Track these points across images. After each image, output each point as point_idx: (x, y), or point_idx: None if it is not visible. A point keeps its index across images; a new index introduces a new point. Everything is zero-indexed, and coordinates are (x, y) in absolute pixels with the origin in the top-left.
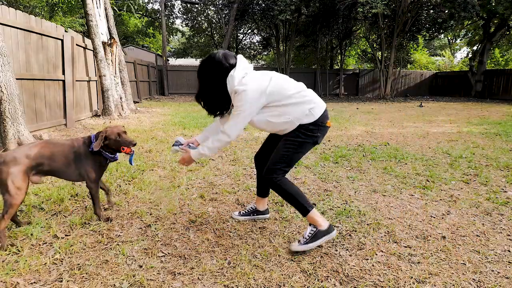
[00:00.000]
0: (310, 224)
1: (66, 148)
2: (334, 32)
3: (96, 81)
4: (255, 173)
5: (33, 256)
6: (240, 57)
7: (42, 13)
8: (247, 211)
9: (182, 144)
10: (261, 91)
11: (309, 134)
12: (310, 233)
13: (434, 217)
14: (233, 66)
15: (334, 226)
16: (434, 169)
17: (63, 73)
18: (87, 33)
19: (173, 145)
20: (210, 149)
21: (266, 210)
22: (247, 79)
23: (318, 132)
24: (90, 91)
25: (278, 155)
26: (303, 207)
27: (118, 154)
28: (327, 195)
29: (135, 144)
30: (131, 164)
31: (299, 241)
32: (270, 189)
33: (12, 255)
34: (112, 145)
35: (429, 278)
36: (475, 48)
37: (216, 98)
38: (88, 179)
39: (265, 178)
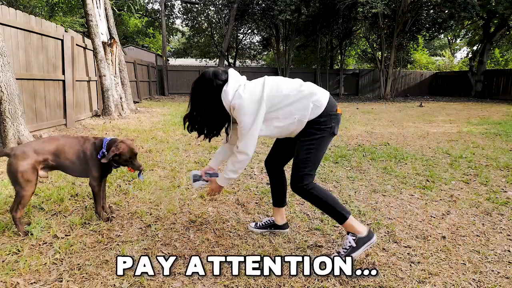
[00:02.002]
0: (348, 233)
1: (76, 146)
2: (334, 32)
3: (96, 81)
4: (268, 180)
5: (33, 256)
6: (231, 71)
7: (42, 13)
8: (264, 224)
9: (201, 176)
10: (257, 99)
11: (322, 128)
12: (350, 242)
13: (434, 217)
14: (225, 82)
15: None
16: (434, 169)
17: (63, 73)
18: (87, 33)
19: (193, 181)
20: (234, 171)
21: (285, 225)
22: (240, 91)
23: (331, 122)
24: (90, 91)
25: (300, 161)
26: (341, 215)
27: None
28: None
29: (141, 170)
30: (141, 179)
31: (338, 252)
32: (287, 199)
33: (12, 255)
34: (121, 162)
35: (429, 278)
36: (475, 48)
37: (211, 118)
38: (91, 178)
39: (295, 188)
